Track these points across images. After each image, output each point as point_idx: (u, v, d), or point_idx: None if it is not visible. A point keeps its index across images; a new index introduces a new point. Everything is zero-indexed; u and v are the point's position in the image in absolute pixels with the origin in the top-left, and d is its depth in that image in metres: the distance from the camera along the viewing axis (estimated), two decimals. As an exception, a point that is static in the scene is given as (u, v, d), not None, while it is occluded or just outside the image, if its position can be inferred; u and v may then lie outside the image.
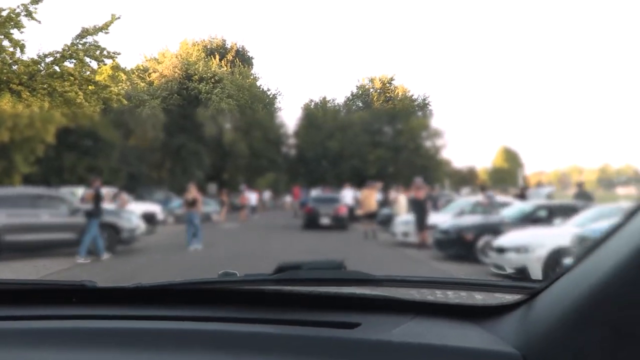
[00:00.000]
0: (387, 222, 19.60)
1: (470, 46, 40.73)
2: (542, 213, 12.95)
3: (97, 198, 13.69)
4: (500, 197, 19.01)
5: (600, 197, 26.63)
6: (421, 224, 15.65)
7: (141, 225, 15.18)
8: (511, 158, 45.55)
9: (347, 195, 23.94)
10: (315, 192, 26.44)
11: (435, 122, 35.51)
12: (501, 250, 10.15)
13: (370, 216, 18.91)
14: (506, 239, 10.46)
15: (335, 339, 1.13)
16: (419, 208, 15.93)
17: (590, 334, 0.85)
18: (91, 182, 14.34)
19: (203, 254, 14.65)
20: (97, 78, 23.95)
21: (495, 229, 11.82)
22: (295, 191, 31.58)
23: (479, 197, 18.06)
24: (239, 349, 1.11)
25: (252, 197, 31.68)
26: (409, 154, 31.28)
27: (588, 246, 0.96)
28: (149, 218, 19.01)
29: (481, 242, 11.98)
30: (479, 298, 1.47)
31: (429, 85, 48.48)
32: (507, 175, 44.58)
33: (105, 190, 14.51)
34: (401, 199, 19.53)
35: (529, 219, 12.53)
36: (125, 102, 20.91)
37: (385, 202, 23.03)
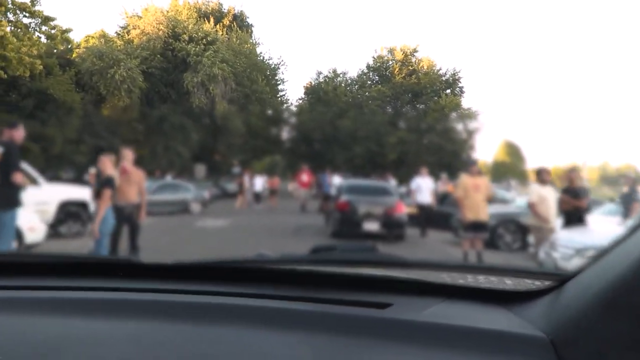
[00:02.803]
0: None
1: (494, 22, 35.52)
2: None
3: (6, 167, 7.13)
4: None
5: (606, 195, 24.24)
6: None
7: (36, 228, 9.53)
8: (513, 152, 41.07)
9: (425, 185, 15.27)
10: (338, 179, 19.82)
11: (467, 102, 30.28)
12: None
13: (478, 226, 10.37)
14: None
15: (367, 317, 1.14)
16: None
17: (615, 322, 0.85)
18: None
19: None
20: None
21: None
22: (306, 176, 22.63)
23: None
24: (276, 323, 1.12)
25: (258, 183, 25.91)
26: (436, 138, 25.68)
27: (620, 235, 0.95)
28: (73, 211, 13.12)
29: None
30: (508, 283, 1.40)
31: (459, 59, 43.62)
32: (509, 169, 40.22)
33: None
34: (548, 196, 9.92)
35: None
36: (73, 40, 15.19)
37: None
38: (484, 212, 10.33)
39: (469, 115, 26.31)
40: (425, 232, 14.59)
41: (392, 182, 17.50)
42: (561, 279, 1.13)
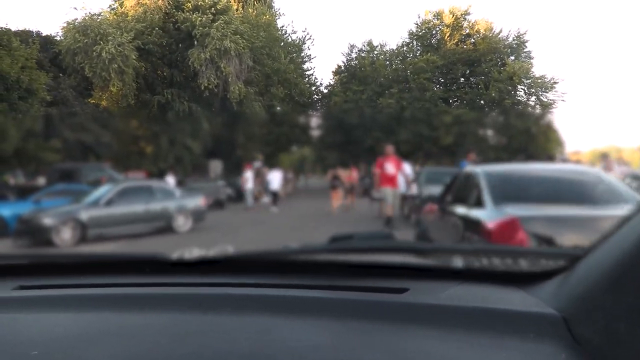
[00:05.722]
0: None
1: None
2: None
3: None
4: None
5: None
6: None
7: None
8: (552, 136, 36.66)
9: None
10: (408, 168, 13.29)
11: (540, 69, 25.20)
12: None
13: None
14: None
15: (384, 302, 1.17)
16: None
17: (625, 298, 0.87)
18: None
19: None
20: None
21: None
22: (392, 166, 12.44)
23: None
24: (297, 311, 1.16)
25: (274, 179, 19.57)
26: (501, 115, 20.62)
27: (629, 212, 0.97)
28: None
29: None
30: (523, 265, 1.43)
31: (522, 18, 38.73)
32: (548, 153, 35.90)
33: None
34: None
35: None
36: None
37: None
38: None
39: (543, 85, 21.09)
40: None
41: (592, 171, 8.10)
42: (574, 258, 1.14)
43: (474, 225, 4.63)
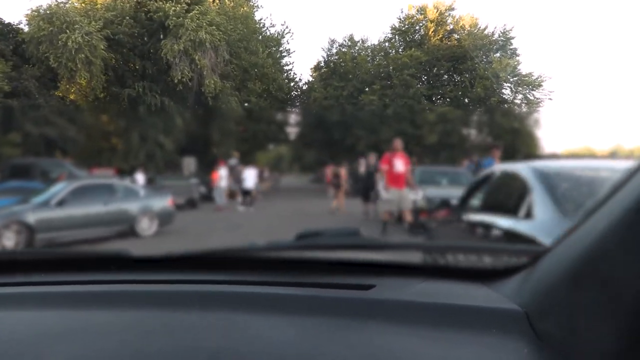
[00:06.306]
0: None
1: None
2: None
3: None
4: None
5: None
6: None
7: None
8: (536, 136, 36.88)
9: None
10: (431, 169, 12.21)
11: (527, 66, 24.73)
12: None
13: None
14: None
15: (350, 299, 1.19)
16: None
17: (584, 293, 0.89)
18: None
19: None
20: None
21: None
22: (402, 163, 10.57)
23: None
24: (262, 308, 1.17)
25: (249, 177, 18.53)
26: (487, 113, 20.05)
27: (590, 207, 0.97)
28: None
29: None
30: (487, 261, 1.45)
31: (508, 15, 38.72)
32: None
33: None
34: None
35: None
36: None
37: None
38: None
39: (530, 83, 20.54)
40: None
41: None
42: (536, 254, 1.16)
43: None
